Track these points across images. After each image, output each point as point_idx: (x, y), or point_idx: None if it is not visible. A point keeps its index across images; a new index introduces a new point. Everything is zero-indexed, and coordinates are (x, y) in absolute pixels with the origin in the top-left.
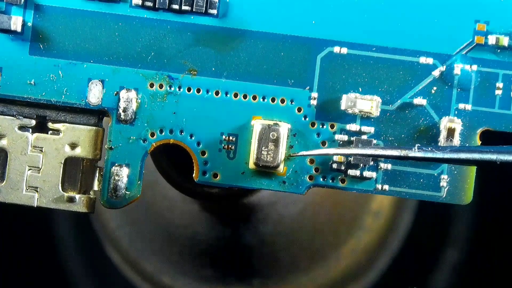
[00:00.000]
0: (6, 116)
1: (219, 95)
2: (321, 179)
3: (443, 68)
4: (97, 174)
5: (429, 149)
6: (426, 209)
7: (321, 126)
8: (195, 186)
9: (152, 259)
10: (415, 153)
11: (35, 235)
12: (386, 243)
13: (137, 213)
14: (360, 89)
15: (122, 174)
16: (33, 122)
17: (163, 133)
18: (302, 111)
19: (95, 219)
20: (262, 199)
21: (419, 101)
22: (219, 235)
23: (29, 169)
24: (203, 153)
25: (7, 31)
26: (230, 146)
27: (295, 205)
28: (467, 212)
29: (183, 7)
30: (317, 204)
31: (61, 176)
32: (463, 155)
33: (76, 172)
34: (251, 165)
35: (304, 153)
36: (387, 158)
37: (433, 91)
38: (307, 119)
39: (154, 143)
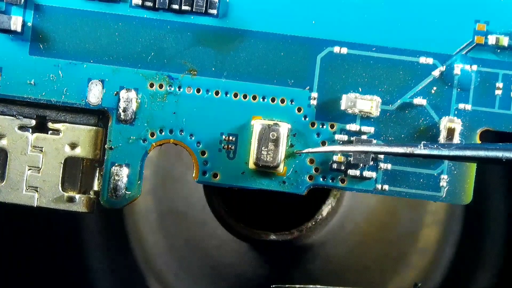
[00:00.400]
0: (6, 116)
1: (219, 95)
2: (321, 179)
3: (443, 68)
4: (97, 174)
5: (435, 146)
6: (467, 243)
7: (321, 126)
8: (248, 231)
9: None
10: (420, 150)
11: (71, 270)
12: (430, 279)
13: (184, 250)
14: (360, 89)
15: (122, 174)
16: (33, 122)
17: (163, 133)
18: (302, 111)
19: (140, 255)
20: (312, 240)
21: (419, 101)
22: (267, 274)
23: (29, 169)
24: (203, 153)
25: (7, 31)
26: (230, 146)
27: (344, 245)
28: (502, 241)
29: (183, 7)
30: (364, 244)
31: (61, 176)
32: (468, 153)
33: (76, 172)
34: (251, 165)
35: (310, 150)
36: (392, 155)
37: (433, 91)
38: (307, 119)
39: (154, 143)
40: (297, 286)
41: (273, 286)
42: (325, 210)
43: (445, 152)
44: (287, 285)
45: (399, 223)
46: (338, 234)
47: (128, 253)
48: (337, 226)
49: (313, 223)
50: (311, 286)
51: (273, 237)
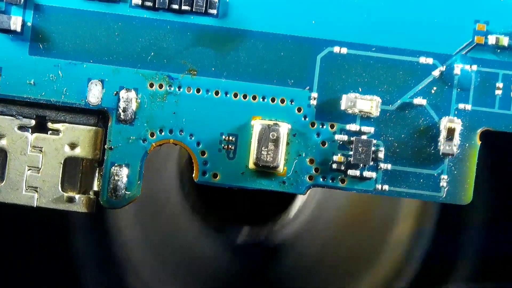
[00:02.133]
0: (6, 116)
1: (219, 95)
2: (321, 179)
3: (443, 68)
4: (96, 174)
5: None
6: (442, 236)
7: (321, 126)
8: (222, 225)
9: None
10: None
11: (55, 262)
12: (403, 274)
13: (160, 246)
14: (360, 89)
15: (122, 174)
16: (33, 122)
17: (162, 133)
18: (302, 111)
19: (118, 250)
20: (285, 234)
21: (419, 101)
22: (242, 270)
23: (29, 169)
24: (202, 153)
25: (7, 31)
26: (230, 146)
27: (317, 241)
28: (478, 237)
29: (183, 7)
30: (338, 239)
31: (60, 176)
32: None
33: (76, 172)
34: (251, 165)
35: None
36: None
37: (433, 91)
38: (307, 119)
39: (154, 143)
40: None
41: None
42: (298, 203)
43: None
44: None
45: (372, 218)
46: (311, 229)
47: (107, 247)
48: (310, 220)
49: (287, 216)
50: None
51: (246, 230)
